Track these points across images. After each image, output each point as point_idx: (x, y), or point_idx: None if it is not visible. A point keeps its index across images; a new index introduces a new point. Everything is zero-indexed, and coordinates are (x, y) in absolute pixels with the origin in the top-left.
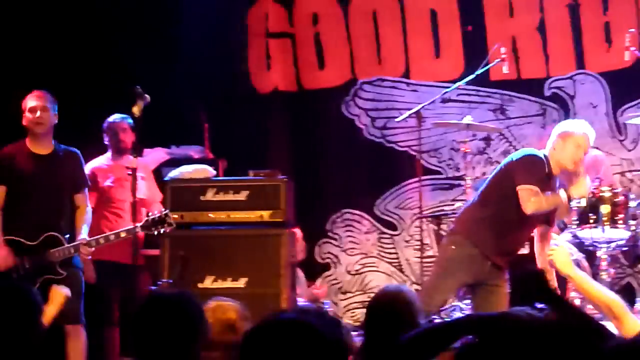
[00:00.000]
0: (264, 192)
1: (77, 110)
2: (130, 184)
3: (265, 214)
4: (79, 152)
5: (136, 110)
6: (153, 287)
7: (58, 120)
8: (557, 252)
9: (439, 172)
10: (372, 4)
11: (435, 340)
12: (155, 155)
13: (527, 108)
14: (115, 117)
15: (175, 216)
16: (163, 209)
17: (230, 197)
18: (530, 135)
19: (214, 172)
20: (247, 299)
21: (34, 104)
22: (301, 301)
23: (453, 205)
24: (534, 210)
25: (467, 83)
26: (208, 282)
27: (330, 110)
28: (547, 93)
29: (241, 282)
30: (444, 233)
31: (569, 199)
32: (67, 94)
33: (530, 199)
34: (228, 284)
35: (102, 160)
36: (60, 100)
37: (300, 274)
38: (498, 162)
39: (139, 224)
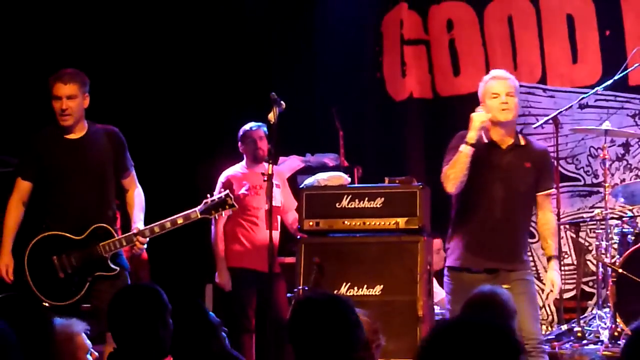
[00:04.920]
0: (400, 199)
1: (212, 117)
2: (265, 191)
3: (401, 221)
4: (117, 130)
5: (271, 117)
6: (289, 295)
7: (193, 125)
8: None
9: (577, 179)
10: (508, 10)
11: None
12: (291, 163)
13: None
14: (252, 125)
15: (311, 223)
16: (224, 190)
17: (365, 204)
18: None
19: (349, 180)
20: (382, 306)
21: (59, 91)
22: (437, 309)
23: (592, 212)
24: (446, 183)
25: (606, 88)
26: (343, 289)
27: (466, 117)
28: None
29: (377, 290)
30: (582, 241)
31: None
32: (203, 100)
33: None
34: (363, 291)
35: (237, 168)
36: (195, 108)
37: (435, 283)
38: (637, 169)
39: (197, 208)
